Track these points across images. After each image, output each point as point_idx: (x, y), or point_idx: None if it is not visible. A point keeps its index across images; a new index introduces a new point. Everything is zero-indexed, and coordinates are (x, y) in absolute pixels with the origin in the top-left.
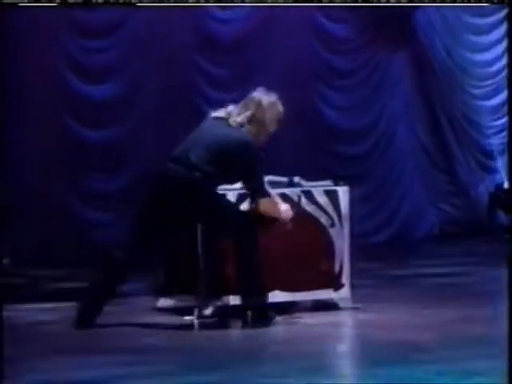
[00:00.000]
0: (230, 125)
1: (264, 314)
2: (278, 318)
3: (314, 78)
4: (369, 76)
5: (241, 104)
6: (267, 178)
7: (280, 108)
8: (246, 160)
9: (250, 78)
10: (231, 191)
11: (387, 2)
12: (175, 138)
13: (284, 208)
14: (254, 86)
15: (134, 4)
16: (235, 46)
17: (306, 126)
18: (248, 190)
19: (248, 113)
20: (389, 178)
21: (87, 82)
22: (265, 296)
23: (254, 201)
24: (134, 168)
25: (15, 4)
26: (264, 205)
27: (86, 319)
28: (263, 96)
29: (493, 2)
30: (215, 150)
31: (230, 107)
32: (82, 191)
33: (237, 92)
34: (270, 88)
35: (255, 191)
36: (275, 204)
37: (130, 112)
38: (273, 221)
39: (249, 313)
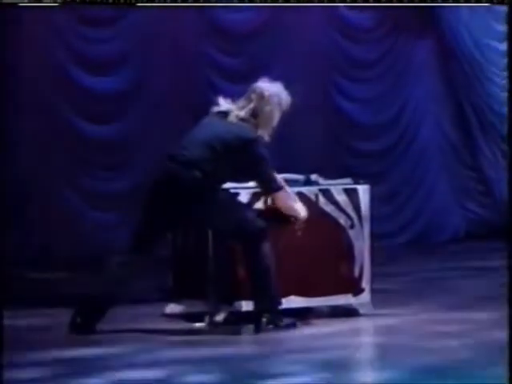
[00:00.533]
0: (231, 120)
1: (281, 320)
2: (298, 324)
3: (332, 69)
4: (390, 67)
5: (243, 97)
6: (282, 176)
7: (284, 97)
8: (249, 157)
9: (263, 69)
10: (244, 190)
11: (388, 2)
12: (184, 134)
13: (301, 206)
14: (268, 78)
15: (133, 4)
16: (248, 35)
17: (323, 121)
18: (259, 187)
19: (251, 105)
20: (412, 175)
21: (91, 74)
22: (279, 300)
23: (268, 197)
24: (140, 166)
25: (15, 4)
26: (281, 199)
27: (84, 324)
28: (265, 86)
29: (492, 2)
30: (215, 147)
31: (231, 101)
32: (84, 190)
33: (249, 84)
34: (285, 80)
35: (267, 187)
36: (293, 198)
37: (135, 106)
38: (287, 219)
39: (264, 319)
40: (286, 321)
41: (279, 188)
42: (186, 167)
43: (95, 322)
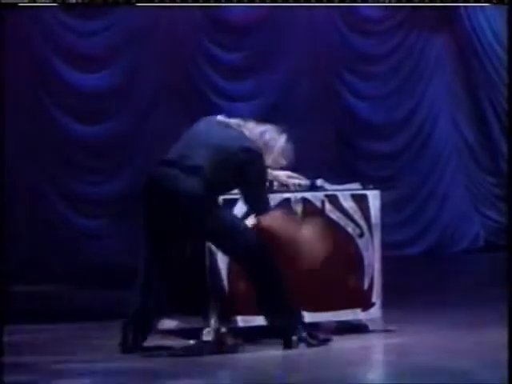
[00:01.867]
0: (239, 130)
1: (315, 337)
2: (331, 341)
3: (339, 65)
4: (401, 62)
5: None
6: None
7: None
8: (255, 170)
9: (265, 64)
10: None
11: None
12: (180, 134)
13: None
14: (270, 74)
15: (132, 4)
16: (248, 27)
17: (330, 120)
18: (250, 204)
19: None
20: (426, 179)
21: (80, 71)
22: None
23: (254, 217)
24: (133, 169)
25: (15, 4)
26: (267, 221)
27: (135, 341)
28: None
29: (492, 2)
30: (220, 156)
31: (237, 119)
32: (72, 196)
33: (250, 81)
34: (289, 77)
35: (259, 207)
36: (277, 218)
37: (128, 104)
38: (281, 235)
39: (295, 336)
40: (322, 337)
41: (267, 211)
42: (187, 174)
43: (144, 338)
